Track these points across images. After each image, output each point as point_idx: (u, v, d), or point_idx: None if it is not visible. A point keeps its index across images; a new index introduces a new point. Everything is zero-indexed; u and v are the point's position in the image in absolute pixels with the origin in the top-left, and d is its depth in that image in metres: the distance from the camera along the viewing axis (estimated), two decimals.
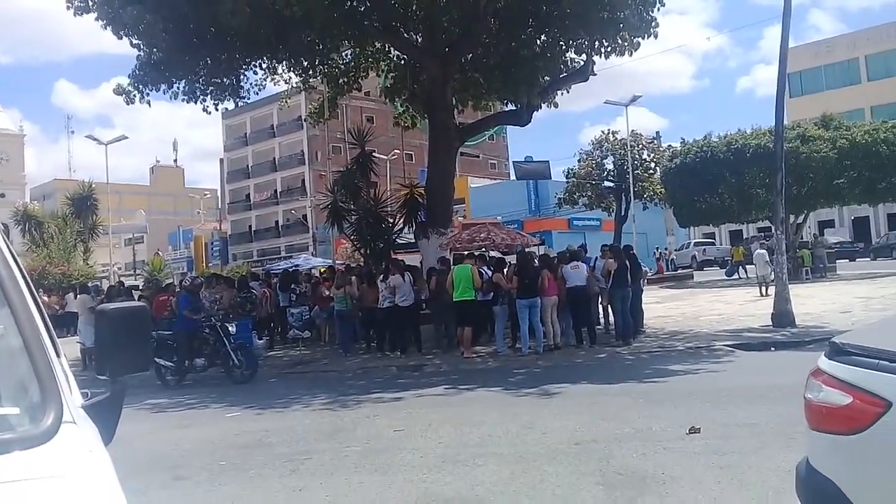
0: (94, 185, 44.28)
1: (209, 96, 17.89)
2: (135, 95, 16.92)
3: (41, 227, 40.53)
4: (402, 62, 19.83)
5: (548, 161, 43.08)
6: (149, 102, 17.27)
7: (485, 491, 5.37)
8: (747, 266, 30.21)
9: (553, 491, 5.24)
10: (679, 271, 41.09)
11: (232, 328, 12.53)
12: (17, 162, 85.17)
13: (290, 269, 23.44)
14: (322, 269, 23.93)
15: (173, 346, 12.54)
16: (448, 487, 5.51)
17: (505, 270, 13.88)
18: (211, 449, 7.36)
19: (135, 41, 15.89)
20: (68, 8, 15.45)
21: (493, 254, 17.04)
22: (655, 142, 39.26)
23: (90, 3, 15.17)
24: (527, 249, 16.64)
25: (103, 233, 42.95)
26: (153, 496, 5.70)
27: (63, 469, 1.75)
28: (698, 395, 8.35)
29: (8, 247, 2.24)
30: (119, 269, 50.60)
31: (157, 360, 12.21)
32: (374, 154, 21.92)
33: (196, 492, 5.96)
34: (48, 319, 2.30)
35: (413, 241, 18.79)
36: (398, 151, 49.44)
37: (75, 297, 18.24)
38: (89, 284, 25.92)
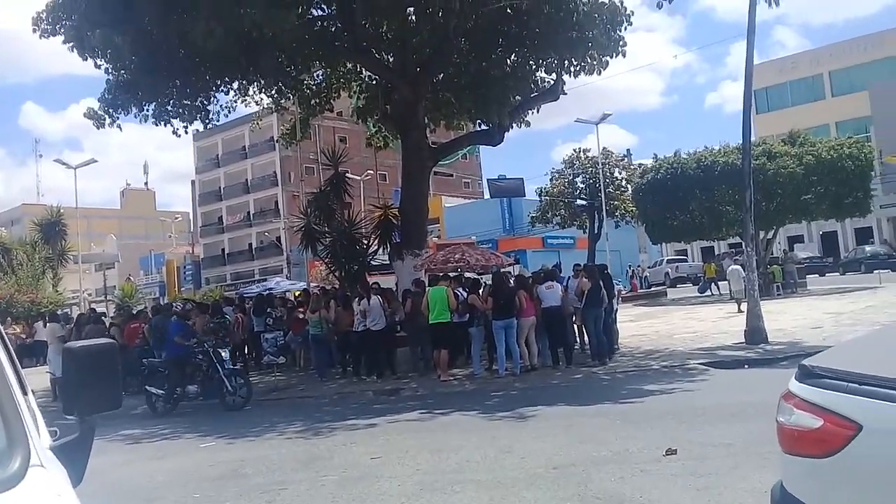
0: (62, 210, 43.62)
1: (178, 118, 17.78)
2: (105, 119, 16.77)
3: (9, 254, 39.72)
4: (374, 82, 19.89)
5: (521, 178, 43.47)
6: (119, 126, 17.14)
7: None
8: (719, 283, 30.57)
9: None
10: (652, 289, 41.42)
11: (225, 353, 12.32)
12: None
13: (265, 293, 23.25)
14: (297, 293, 23.75)
15: (164, 373, 12.30)
16: None
17: (480, 291, 13.89)
18: (184, 481, 7.22)
19: (103, 64, 15.77)
20: (34, 31, 15.31)
21: (468, 274, 17.04)
22: (626, 159, 39.79)
23: (56, 27, 15.05)
24: (502, 270, 16.70)
25: (73, 259, 42.28)
26: None
27: None
28: (674, 415, 8.39)
29: None
30: (90, 295, 49.78)
31: (147, 388, 12.04)
32: (347, 175, 21.90)
33: None
34: (14, 354, 2.25)
35: (388, 262, 18.75)
36: (371, 172, 49.48)
37: (44, 325, 17.89)
38: (59, 312, 25.43)
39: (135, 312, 18.86)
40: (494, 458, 6.98)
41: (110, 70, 16.29)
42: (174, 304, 19.85)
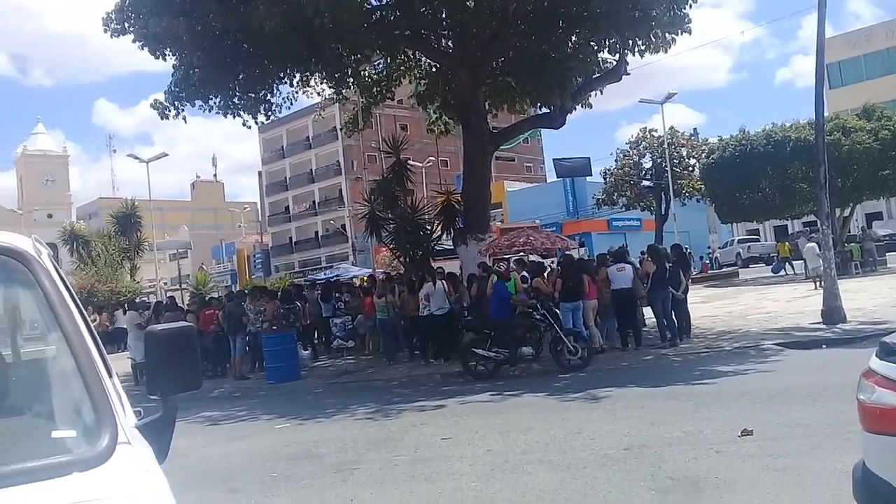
0: (137, 203, 45.27)
1: (243, 110, 18.16)
2: (169, 111, 17.26)
3: (88, 246, 41.55)
4: (434, 69, 19.91)
5: (588, 157, 42.38)
6: (184, 118, 17.61)
7: (535, 499, 5.36)
8: (794, 262, 29.61)
9: (605, 497, 5.20)
10: (723, 269, 40.37)
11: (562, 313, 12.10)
12: (62, 182, 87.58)
13: (332, 280, 23.68)
14: (363, 279, 24.11)
15: (491, 335, 12.02)
16: (498, 495, 5.51)
17: (545, 275, 13.83)
18: (262, 461, 7.46)
19: (170, 59, 16.26)
20: (105, 30, 15.85)
21: (532, 258, 16.97)
22: (693, 138, 38.76)
23: (125, 25, 15.55)
24: (569, 253, 16.58)
25: (148, 249, 43.89)
26: None
27: (120, 490, 1.79)
28: (748, 396, 8.21)
29: (57, 270, 2.30)
30: (165, 283, 51.57)
31: (475, 350, 11.94)
32: (409, 162, 22.02)
33: None
34: (99, 339, 2.36)
35: (452, 247, 18.83)
36: (433, 158, 49.59)
37: (124, 313, 18.67)
38: (137, 300, 26.49)
39: (208, 300, 19.47)
40: (564, 439, 6.98)
41: (177, 64, 16.76)
42: (244, 291, 20.40)
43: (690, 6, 15.42)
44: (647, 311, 14.19)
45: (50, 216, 74.87)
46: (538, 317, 11.97)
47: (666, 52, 16.23)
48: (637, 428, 7.15)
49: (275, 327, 15.06)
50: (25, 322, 2.44)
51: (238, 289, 37.27)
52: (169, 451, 2.37)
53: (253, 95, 17.85)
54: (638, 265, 13.86)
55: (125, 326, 16.53)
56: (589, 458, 6.23)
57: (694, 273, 27.93)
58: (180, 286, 49.00)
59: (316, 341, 18.39)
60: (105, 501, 1.73)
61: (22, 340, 2.65)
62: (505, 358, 11.90)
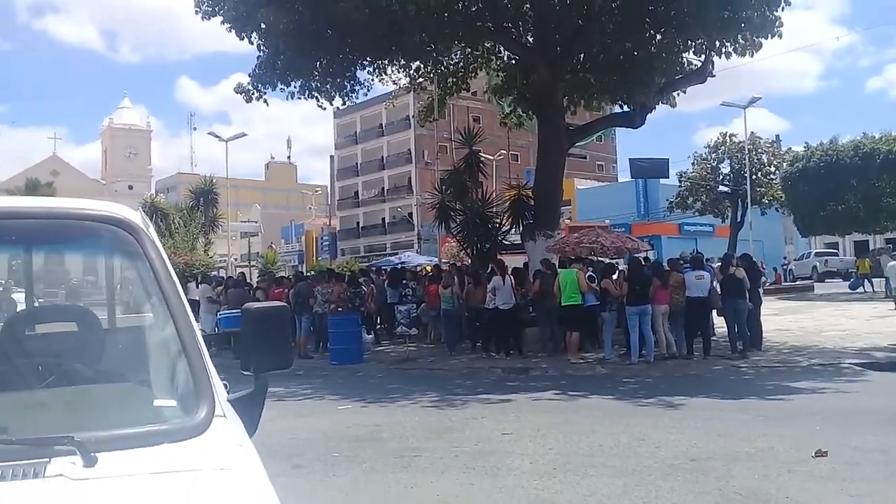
0: (215, 180, 46.60)
1: (322, 95, 18.46)
2: (253, 94, 17.68)
3: (167, 219, 43.03)
4: (513, 62, 19.77)
5: (667, 158, 41.09)
6: (266, 101, 18.03)
7: (596, 502, 5.29)
8: (873, 279, 28.34)
9: None
10: (798, 282, 38.96)
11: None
12: (143, 156, 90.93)
13: (398, 267, 23.88)
14: (429, 268, 24.23)
15: None
16: (559, 496, 5.47)
17: (614, 276, 13.63)
18: (325, 440, 7.60)
19: (256, 41, 16.64)
20: (196, 12, 16.32)
21: (599, 259, 16.73)
22: (775, 145, 37.49)
23: (216, 8, 15.98)
24: (636, 255, 16.29)
25: (222, 225, 45.15)
26: (274, 483, 5.93)
27: (216, 462, 1.82)
28: (823, 416, 7.92)
29: (157, 239, 2.36)
30: (235, 260, 53.01)
31: None
32: (480, 154, 21.99)
33: (313, 481, 6.16)
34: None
35: (519, 242, 18.73)
36: (504, 152, 49.35)
37: (197, 286, 19.23)
38: (210, 274, 27.32)
39: (278, 278, 19.92)
40: (628, 445, 6.87)
41: (263, 48, 17.14)
42: (317, 272, 20.77)
43: (783, 8, 14.91)
44: (718, 321, 13.84)
45: (131, 188, 77.89)
46: None
47: (753, 55, 15.75)
48: (704, 439, 6.98)
49: (340, 309, 15.31)
50: (127, 291, 2.53)
51: (304, 269, 38.02)
52: (258, 427, 2.41)
53: (333, 81, 18.12)
54: (716, 273, 13.50)
55: (197, 298, 17.06)
56: (654, 466, 6.11)
57: (766, 284, 27.10)
58: (249, 263, 50.32)
59: (378, 326, 18.59)
60: (201, 473, 1.77)
61: (120, 309, 2.75)
62: None
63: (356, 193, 72.24)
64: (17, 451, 1.70)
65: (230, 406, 2.17)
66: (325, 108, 19.18)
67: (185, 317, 2.09)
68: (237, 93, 17.87)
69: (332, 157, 72.17)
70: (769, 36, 15.07)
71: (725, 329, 13.22)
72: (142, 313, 2.32)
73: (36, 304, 3.06)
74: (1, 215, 2.21)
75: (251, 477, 1.80)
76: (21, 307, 3.11)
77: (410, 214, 62.78)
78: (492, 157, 40.22)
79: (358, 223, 71.13)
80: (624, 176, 51.58)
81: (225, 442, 1.92)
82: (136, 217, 2.27)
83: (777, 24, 14.87)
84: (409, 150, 65.53)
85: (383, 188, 69.15)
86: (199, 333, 2.14)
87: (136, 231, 2.19)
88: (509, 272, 14.75)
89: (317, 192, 77.19)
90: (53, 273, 3.35)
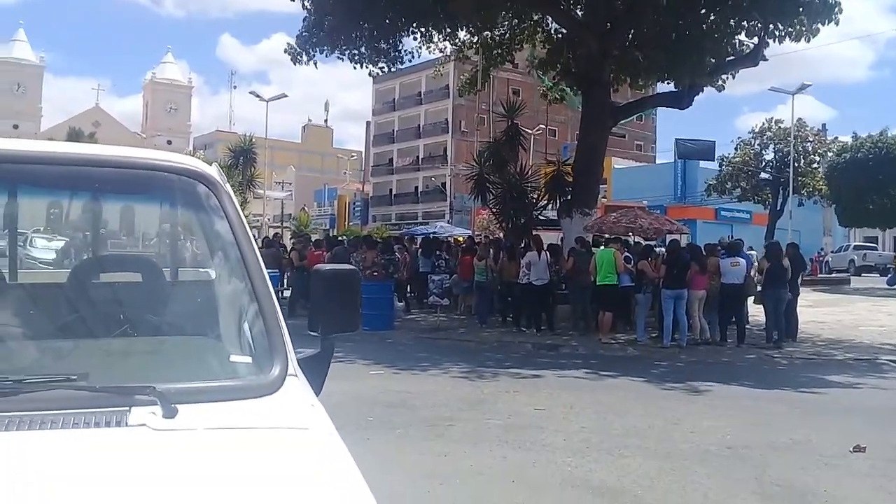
0: (254, 140, 46.84)
1: (367, 60, 18.38)
2: (302, 56, 17.67)
3: None
4: (560, 36, 19.45)
5: (714, 141, 40.36)
6: (315, 63, 18.01)
7: (631, 483, 5.28)
8: None
9: (705, 494, 5.07)
10: (834, 275, 38.25)
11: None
12: (184, 112, 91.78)
13: (430, 236, 23.90)
14: (461, 239, 24.20)
15: None
16: (593, 475, 5.47)
17: (649, 259, 13.50)
18: (358, 405, 7.64)
19: (307, 5, 16.59)
20: None
21: (638, 240, 16.56)
22: (821, 134, 36.61)
23: None
24: (673, 237, 16.08)
25: (259, 185, 45.43)
26: None
27: (290, 421, 1.83)
28: (861, 412, 7.83)
29: (233, 195, 2.35)
30: (268, 220, 53.49)
31: None
32: (519, 128, 21.77)
33: (348, 443, 6.22)
34: None
35: (555, 218, 18.59)
36: (542, 126, 48.86)
37: None
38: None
39: (314, 241, 20.07)
40: (662, 429, 6.85)
41: (311, 10, 17.07)
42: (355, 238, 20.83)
43: None
44: (752, 308, 13.67)
45: (170, 143, 78.80)
46: None
47: (809, 41, 15.36)
48: (740, 428, 6.93)
49: (376, 274, 15.36)
50: (202, 244, 2.54)
51: (336, 234, 38.19)
52: (322, 388, 2.43)
53: (378, 46, 18.02)
54: (754, 260, 13.31)
55: None
56: (689, 450, 6.09)
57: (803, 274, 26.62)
58: (282, 224, 50.70)
59: (409, 294, 18.66)
60: (277, 431, 1.78)
61: (194, 262, 2.77)
62: None
63: (391, 161, 72.19)
64: (99, 398, 1.72)
65: (299, 366, 2.16)
66: (371, 74, 19.09)
67: (260, 274, 2.09)
68: (286, 53, 17.87)
69: (368, 122, 72.09)
70: (826, 22, 14.66)
71: (760, 317, 13.06)
72: (217, 268, 2.32)
73: (105, 254, 3.10)
74: (78, 162, 2.23)
75: (326, 437, 1.81)
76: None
77: (444, 184, 62.62)
78: (531, 132, 39.84)
79: (391, 190, 71.17)
80: (663, 157, 50.86)
81: (299, 401, 1.93)
82: (213, 171, 2.27)
83: (836, 10, 14.46)
84: (447, 119, 65.15)
85: (418, 157, 69.01)
86: (272, 291, 2.14)
87: (214, 185, 2.19)
88: (545, 248, 14.66)
89: (352, 157, 77.38)
90: (128, 224, 3.39)
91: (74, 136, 52.73)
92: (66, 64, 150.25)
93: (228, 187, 2.27)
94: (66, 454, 1.56)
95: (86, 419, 1.67)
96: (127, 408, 1.71)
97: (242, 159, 44.70)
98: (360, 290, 2.58)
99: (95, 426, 1.65)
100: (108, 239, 3.35)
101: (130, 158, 2.25)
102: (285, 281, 18.00)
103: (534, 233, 16.92)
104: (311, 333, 2.44)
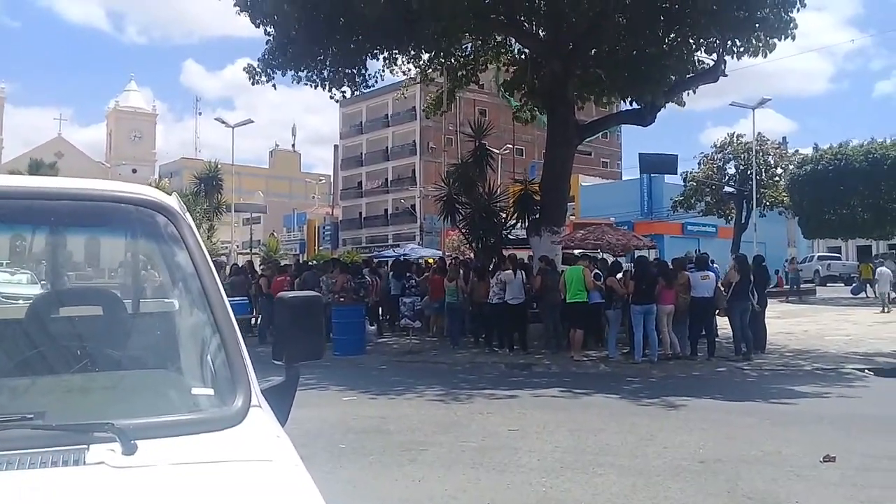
0: (220, 166, 46.51)
1: (330, 83, 18.36)
2: (261, 77, 17.59)
3: None
4: (523, 56, 19.68)
5: (676, 155, 41.00)
6: (274, 85, 17.94)
7: (605, 501, 5.28)
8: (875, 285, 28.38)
9: None
10: (801, 286, 38.85)
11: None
12: (148, 140, 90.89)
13: (401, 258, 23.84)
14: (432, 260, 24.18)
15: None
16: (567, 494, 5.45)
17: (619, 275, 13.61)
18: (331, 431, 7.57)
19: (269, 29, 16.56)
20: None
21: (605, 257, 16.72)
22: (782, 147, 37.41)
23: None
24: (640, 254, 16.26)
25: (226, 211, 45.06)
26: None
27: (255, 453, 1.79)
28: (830, 421, 7.92)
29: (193, 224, 2.32)
30: (237, 247, 53.01)
31: None
32: (487, 148, 21.91)
33: (318, 473, 6.05)
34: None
35: (524, 237, 18.67)
36: (510, 146, 49.27)
37: None
38: (214, 260, 27.25)
39: (283, 266, 19.90)
40: (636, 445, 6.86)
41: (274, 35, 17.04)
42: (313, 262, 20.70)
43: (798, 9, 14.85)
44: (721, 322, 13.83)
45: (135, 171, 77.87)
46: None
47: (766, 56, 15.71)
48: (712, 441, 6.97)
49: (342, 299, 15.27)
50: (163, 275, 2.49)
51: (306, 259, 37.94)
52: (288, 418, 2.39)
53: (343, 70, 18.04)
54: (720, 274, 13.49)
55: None
56: (662, 466, 6.10)
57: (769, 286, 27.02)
58: (251, 250, 50.21)
59: (381, 318, 18.57)
60: (241, 464, 1.74)
61: (155, 293, 2.72)
62: None
63: (359, 184, 72.12)
64: (56, 437, 1.68)
65: (263, 397, 2.14)
66: (334, 98, 19.08)
67: (221, 304, 2.06)
68: (246, 72, 17.75)
69: (336, 146, 72.01)
70: (783, 37, 15.03)
71: (728, 330, 13.21)
72: (178, 299, 2.29)
73: (65, 288, 3.04)
74: (36, 195, 2.19)
75: (292, 468, 1.78)
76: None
77: (413, 206, 62.70)
78: (498, 151, 40.11)
79: (360, 213, 71.04)
80: (629, 173, 51.47)
81: (263, 432, 1.90)
82: (173, 201, 2.24)
83: (792, 25, 14.82)
84: (414, 141, 65.39)
85: (387, 179, 69.04)
86: (234, 322, 2.11)
87: (173, 215, 2.16)
88: (520, 268, 14.71)
89: (320, 181, 77.15)
90: (87, 256, 3.32)
91: (36, 167, 51.84)
92: (28, 94, 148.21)
93: (189, 217, 2.25)
94: (20, 497, 1.51)
95: (42, 459, 1.62)
96: (85, 445, 1.67)
97: (208, 186, 44.34)
98: (324, 317, 2.56)
99: (53, 465, 1.61)
100: (72, 271, 3.28)
101: (89, 191, 2.21)
102: (255, 308, 17.80)
103: (509, 252, 17.00)
104: (276, 362, 2.40)
